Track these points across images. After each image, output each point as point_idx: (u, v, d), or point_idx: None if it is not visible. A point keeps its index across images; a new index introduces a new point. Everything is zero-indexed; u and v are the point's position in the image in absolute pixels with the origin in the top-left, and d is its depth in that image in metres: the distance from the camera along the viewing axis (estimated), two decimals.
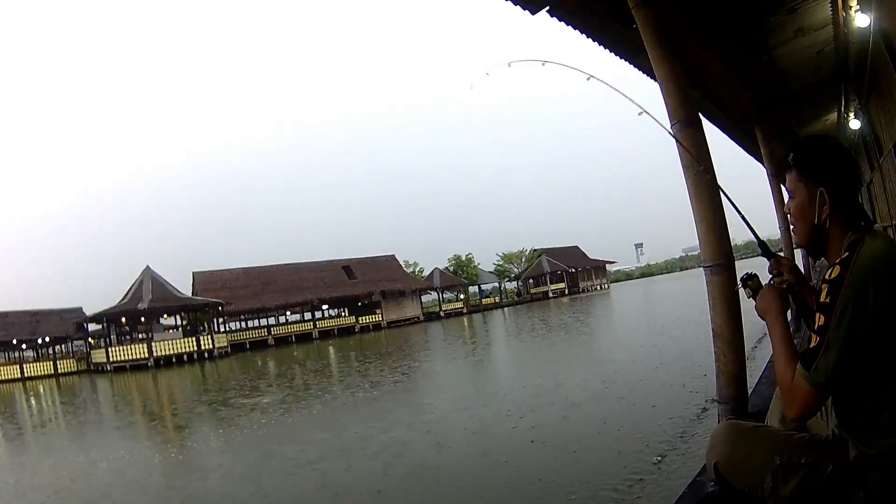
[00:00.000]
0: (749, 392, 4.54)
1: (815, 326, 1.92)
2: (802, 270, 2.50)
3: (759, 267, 2.65)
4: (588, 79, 3.91)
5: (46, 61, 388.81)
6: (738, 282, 2.60)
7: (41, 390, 37.10)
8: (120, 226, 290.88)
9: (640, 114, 3.72)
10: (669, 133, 3.90)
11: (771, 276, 2.47)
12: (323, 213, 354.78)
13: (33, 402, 30.44)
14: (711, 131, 10.98)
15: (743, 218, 2.84)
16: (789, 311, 2.26)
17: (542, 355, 20.40)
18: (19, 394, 36.13)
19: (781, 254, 2.59)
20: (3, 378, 50.17)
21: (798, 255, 11.57)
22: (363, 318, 67.52)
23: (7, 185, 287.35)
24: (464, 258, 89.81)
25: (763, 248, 2.61)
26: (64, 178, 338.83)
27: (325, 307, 68.23)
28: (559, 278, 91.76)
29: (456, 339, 34.66)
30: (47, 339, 54.47)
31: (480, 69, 4.52)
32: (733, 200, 3.02)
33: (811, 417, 2.19)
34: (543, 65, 4.15)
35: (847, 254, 1.92)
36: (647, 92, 4.58)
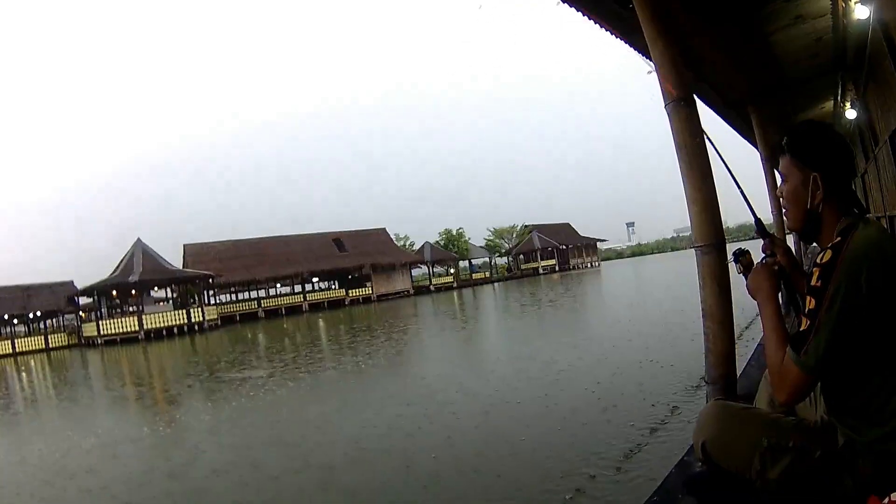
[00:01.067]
0: (738, 374, 4.56)
1: (806, 310, 1.92)
2: (795, 254, 2.50)
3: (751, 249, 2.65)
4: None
5: (45, 44, 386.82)
6: (730, 256, 2.60)
7: (32, 365, 37.12)
8: (111, 199, 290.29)
9: (649, 73, 3.71)
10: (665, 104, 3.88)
11: (764, 255, 2.48)
12: (314, 186, 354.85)
13: (24, 376, 30.38)
14: (706, 113, 10.96)
15: (742, 192, 2.84)
16: (780, 294, 2.26)
17: (532, 332, 20.41)
18: (10, 368, 36.08)
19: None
20: None
21: (790, 240, 11.60)
22: (353, 291, 67.96)
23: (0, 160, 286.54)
24: (454, 232, 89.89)
25: (759, 226, 2.61)
26: (57, 153, 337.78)
27: (315, 280, 68.51)
28: (550, 255, 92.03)
29: (446, 314, 34.78)
30: (38, 313, 54.43)
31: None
32: (734, 173, 3.01)
33: (800, 401, 2.20)
34: (558, 3, 4.12)
35: (839, 239, 1.92)
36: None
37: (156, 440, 10.49)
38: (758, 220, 2.65)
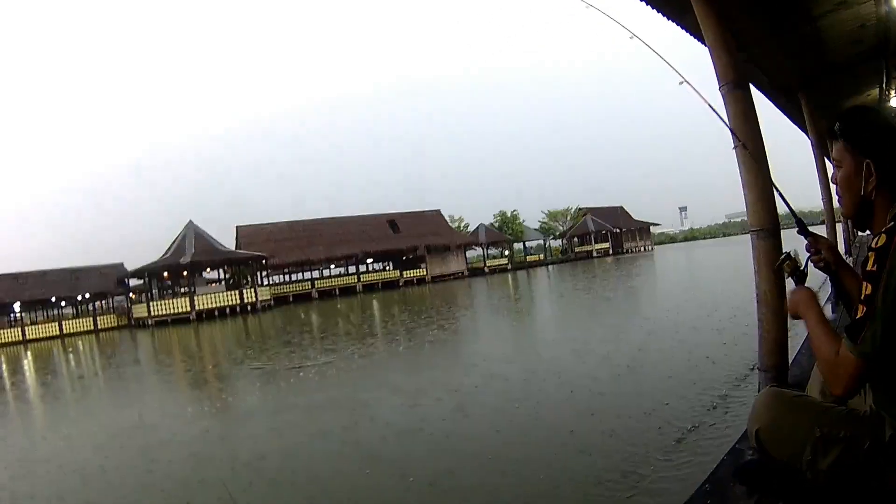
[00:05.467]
0: (790, 362, 4.51)
1: (862, 296, 1.88)
2: (844, 243, 2.48)
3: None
4: (631, 38, 3.85)
5: (103, 28, 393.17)
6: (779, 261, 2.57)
7: (80, 346, 37.51)
8: (164, 182, 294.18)
9: (680, 83, 3.65)
10: (708, 104, 3.80)
11: (809, 254, 2.45)
12: (368, 168, 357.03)
13: (72, 357, 30.80)
14: (758, 98, 10.86)
15: (780, 195, 2.82)
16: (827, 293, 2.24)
17: (587, 316, 20.17)
18: (57, 350, 36.67)
19: (823, 227, 2.58)
20: (42, 335, 51.28)
21: (839, 228, 11.38)
22: (407, 272, 68.08)
23: (53, 144, 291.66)
24: (509, 214, 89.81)
25: (800, 225, 2.60)
26: (108, 136, 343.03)
27: (369, 261, 68.86)
28: (604, 238, 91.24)
29: (501, 296, 34.71)
30: (87, 295, 55.52)
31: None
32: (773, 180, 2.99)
33: (856, 393, 2.15)
34: (587, 7, 4.08)
35: (892, 224, 1.89)
36: (688, 59, 4.53)
37: (203, 420, 10.45)
38: (798, 220, 2.64)
